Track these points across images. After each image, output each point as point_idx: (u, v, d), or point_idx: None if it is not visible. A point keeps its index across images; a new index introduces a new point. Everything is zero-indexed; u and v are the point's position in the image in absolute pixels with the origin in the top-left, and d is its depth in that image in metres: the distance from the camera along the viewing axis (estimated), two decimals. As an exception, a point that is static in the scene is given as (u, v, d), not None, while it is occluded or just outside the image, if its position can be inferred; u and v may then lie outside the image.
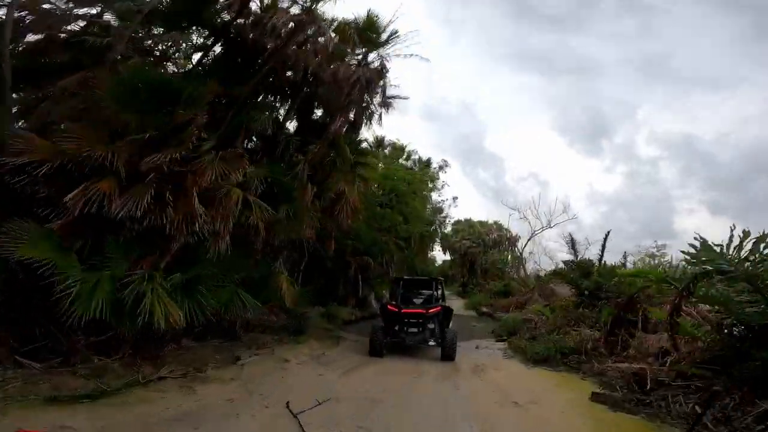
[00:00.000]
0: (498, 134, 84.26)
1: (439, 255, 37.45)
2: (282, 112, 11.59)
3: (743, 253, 4.80)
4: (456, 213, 37.40)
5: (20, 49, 8.94)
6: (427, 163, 29.19)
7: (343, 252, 14.84)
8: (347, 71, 10.50)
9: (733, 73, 67.36)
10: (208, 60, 10.18)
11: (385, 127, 31.46)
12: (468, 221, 35.61)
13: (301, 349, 9.16)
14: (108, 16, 9.68)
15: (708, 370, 5.79)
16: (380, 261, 16.73)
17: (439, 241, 31.58)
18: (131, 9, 8.59)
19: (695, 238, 5.11)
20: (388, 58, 12.18)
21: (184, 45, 10.85)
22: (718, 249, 4.94)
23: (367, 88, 10.98)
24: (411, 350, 9.75)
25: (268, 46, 9.56)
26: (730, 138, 62.52)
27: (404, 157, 26.83)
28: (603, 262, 14.10)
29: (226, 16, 10.07)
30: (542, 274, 23.14)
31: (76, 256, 5.38)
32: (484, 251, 31.43)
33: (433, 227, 27.33)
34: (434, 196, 30.52)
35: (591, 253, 16.58)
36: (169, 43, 10.35)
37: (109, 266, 5.57)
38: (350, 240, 15.00)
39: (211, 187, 6.40)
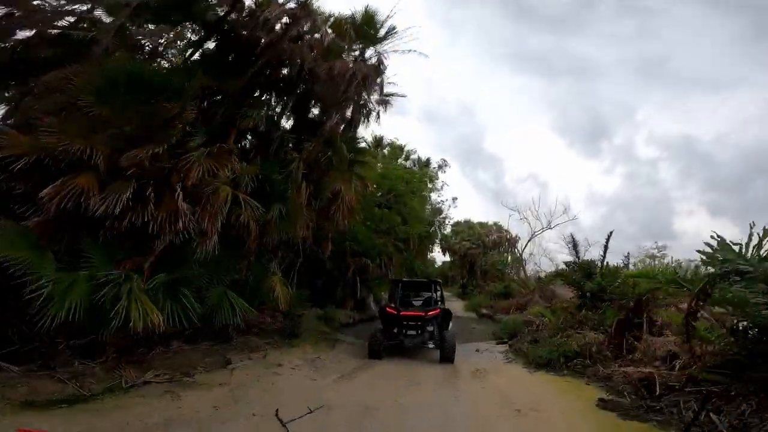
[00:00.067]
0: (497, 135, 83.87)
1: (438, 256, 37.18)
2: (278, 110, 11.36)
3: (763, 252, 4.50)
4: (455, 214, 36.94)
5: (8, 45, 8.73)
6: (426, 163, 28.95)
7: (341, 253, 14.61)
8: (343, 67, 10.23)
9: (732, 73, 66.99)
10: (199, 56, 9.92)
11: (384, 127, 31.24)
12: (468, 222, 35.33)
13: (296, 352, 8.89)
14: (98, 12, 9.52)
15: (720, 375, 5.50)
16: (379, 262, 16.48)
17: (438, 242, 31.32)
18: (119, 2, 8.34)
19: (712, 237, 4.83)
20: (386, 55, 11.91)
21: (178, 42, 10.66)
22: (736, 248, 4.63)
23: (364, 84, 10.70)
24: (409, 352, 9.55)
25: (262, 41, 9.33)
26: (729, 139, 62.22)
27: (403, 156, 26.56)
28: (605, 263, 13.78)
29: (219, 11, 9.85)
30: (542, 275, 22.86)
31: (53, 256, 5.12)
32: (484, 252, 31.12)
33: (433, 228, 27.03)
34: (434, 196, 30.29)
35: (591, 254, 16.26)
36: (161, 39, 10.12)
37: (87, 266, 5.28)
38: (348, 241, 14.81)
39: (198, 184, 6.12)
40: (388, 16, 11.67)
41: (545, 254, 25.44)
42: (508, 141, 79.71)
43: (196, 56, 9.93)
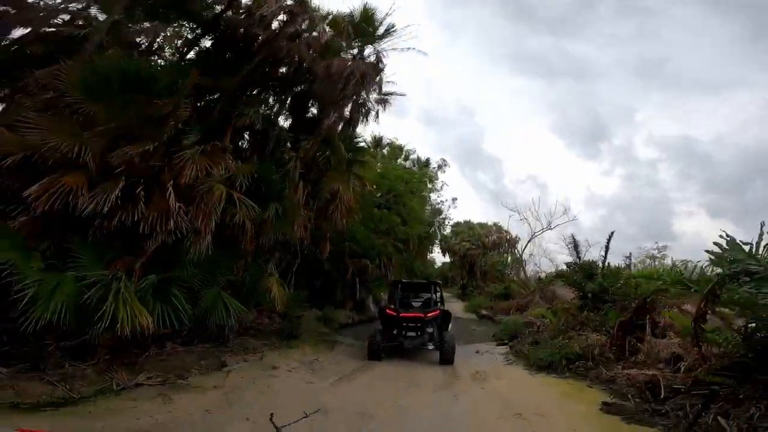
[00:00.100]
0: (497, 136, 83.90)
1: (438, 257, 37.04)
2: (275, 108, 11.22)
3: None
4: (455, 215, 36.87)
5: (2, 43, 8.63)
6: (426, 163, 28.85)
7: (340, 254, 14.47)
8: (342, 65, 10.09)
9: (732, 74, 66.97)
10: (195, 54, 9.80)
11: (384, 127, 31.62)
12: (467, 223, 35.18)
13: (294, 354, 8.73)
14: (93, 11, 9.40)
15: (727, 377, 5.36)
16: (378, 263, 16.34)
17: (438, 242, 31.18)
18: (113, -1, 8.20)
19: (720, 237, 4.67)
20: (384, 53, 11.79)
21: (176, 41, 10.53)
22: (746, 248, 4.49)
23: (362, 82, 10.56)
24: (409, 354, 9.42)
25: (259, 38, 9.20)
26: (729, 139, 62.19)
27: (402, 156, 26.44)
28: (607, 263, 13.63)
29: (216, 8, 9.73)
30: (543, 276, 22.71)
31: (40, 256, 4.97)
32: (484, 253, 30.95)
33: (432, 229, 26.92)
34: (433, 196, 30.19)
35: (591, 255, 16.11)
36: (157, 37, 10.00)
37: (75, 267, 5.13)
38: (347, 242, 14.66)
39: (191, 183, 5.97)
40: (387, 14, 11.56)
41: (545, 255, 25.36)
42: (507, 142, 79.83)
43: (192, 54, 9.80)
